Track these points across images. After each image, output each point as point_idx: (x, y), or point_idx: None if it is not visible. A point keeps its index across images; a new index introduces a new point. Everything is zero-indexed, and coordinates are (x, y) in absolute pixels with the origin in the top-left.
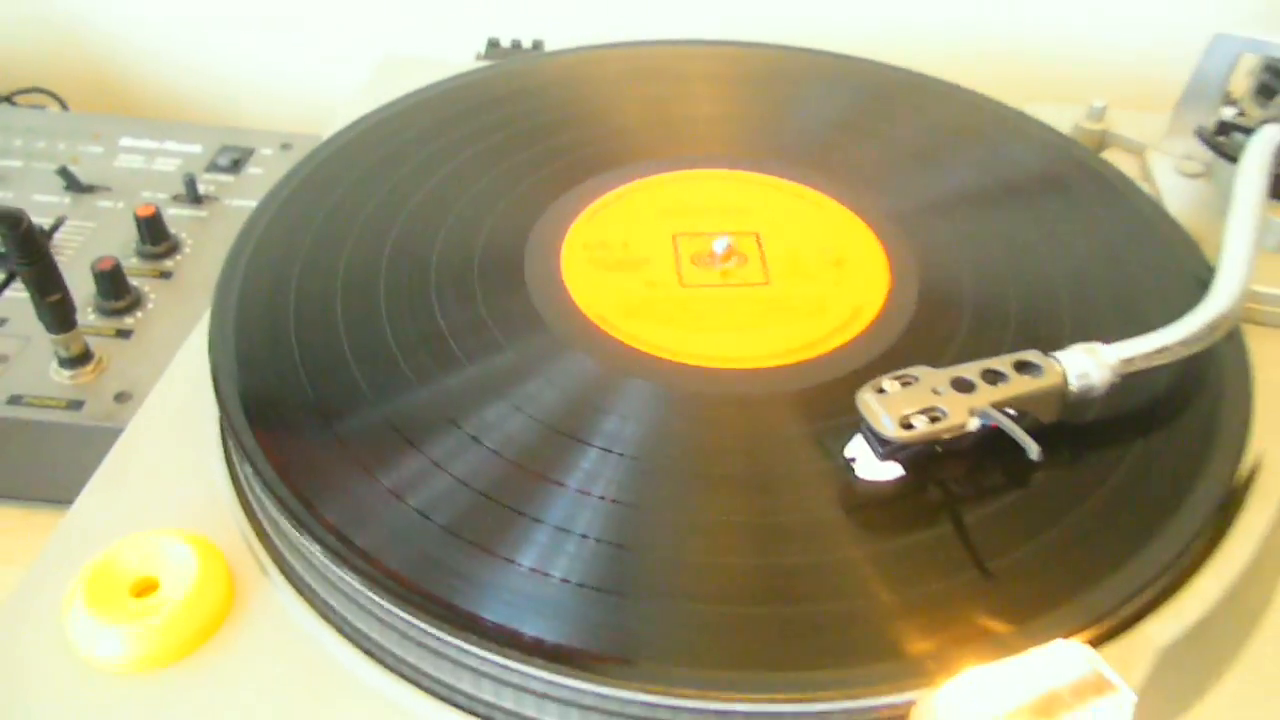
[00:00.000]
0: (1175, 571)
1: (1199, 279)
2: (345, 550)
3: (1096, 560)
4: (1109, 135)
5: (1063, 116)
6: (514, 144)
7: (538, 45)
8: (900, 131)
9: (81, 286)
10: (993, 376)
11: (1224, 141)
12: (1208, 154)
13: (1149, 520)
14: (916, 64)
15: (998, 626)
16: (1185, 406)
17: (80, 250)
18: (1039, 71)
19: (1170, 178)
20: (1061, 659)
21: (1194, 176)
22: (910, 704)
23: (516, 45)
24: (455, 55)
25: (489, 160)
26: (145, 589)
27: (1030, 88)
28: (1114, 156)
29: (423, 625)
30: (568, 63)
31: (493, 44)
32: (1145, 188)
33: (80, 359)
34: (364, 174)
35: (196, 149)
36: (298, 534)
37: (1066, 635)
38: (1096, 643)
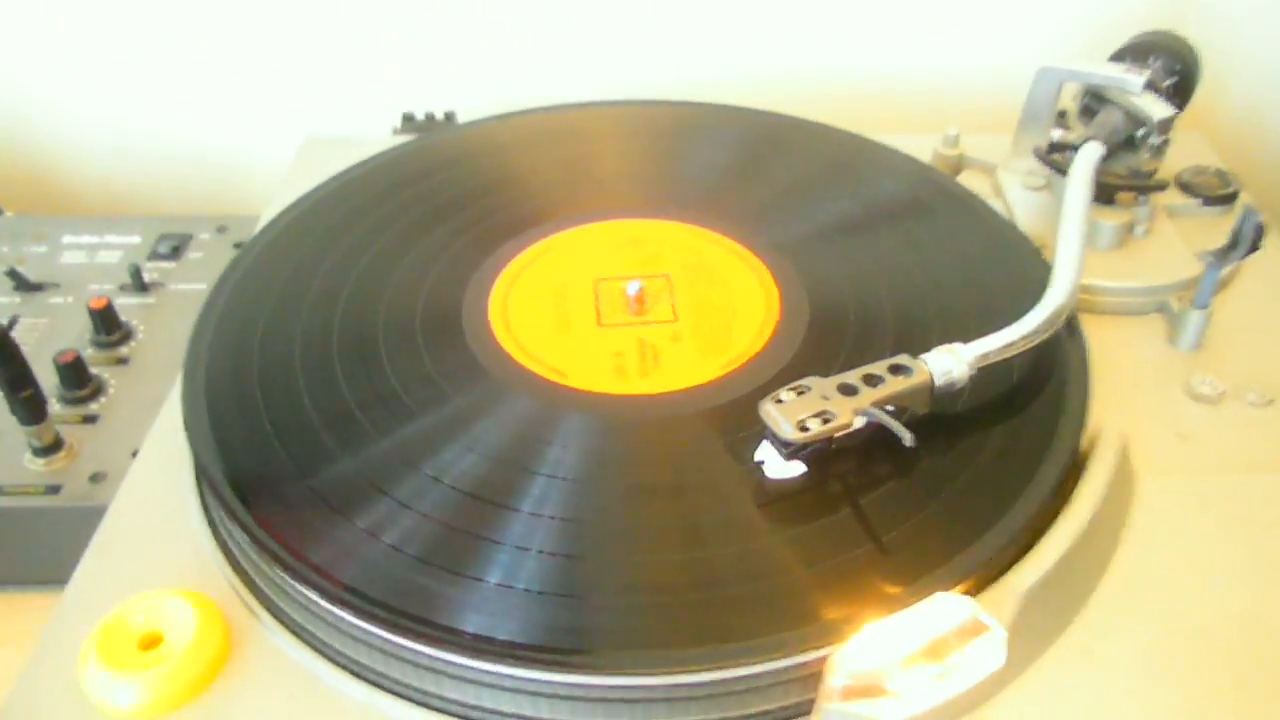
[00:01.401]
0: (1033, 529)
1: (1042, 280)
2: (333, 587)
3: (969, 525)
4: (964, 159)
5: (923, 145)
6: (441, 212)
7: (449, 116)
8: (782, 170)
9: (44, 379)
10: (872, 380)
11: (1057, 159)
12: (1046, 169)
13: (1010, 489)
14: (793, 108)
15: (892, 588)
16: (1038, 389)
17: (37, 345)
18: (900, 107)
19: (1017, 192)
20: (945, 609)
21: (1037, 190)
22: (826, 659)
23: (430, 118)
24: (371, 129)
25: (420, 228)
26: (151, 643)
27: (893, 122)
28: (969, 177)
29: (408, 644)
30: (483, 132)
31: (408, 118)
32: (997, 203)
33: (53, 447)
34: (307, 254)
35: (136, 239)
36: (289, 579)
37: (948, 589)
38: (973, 593)
